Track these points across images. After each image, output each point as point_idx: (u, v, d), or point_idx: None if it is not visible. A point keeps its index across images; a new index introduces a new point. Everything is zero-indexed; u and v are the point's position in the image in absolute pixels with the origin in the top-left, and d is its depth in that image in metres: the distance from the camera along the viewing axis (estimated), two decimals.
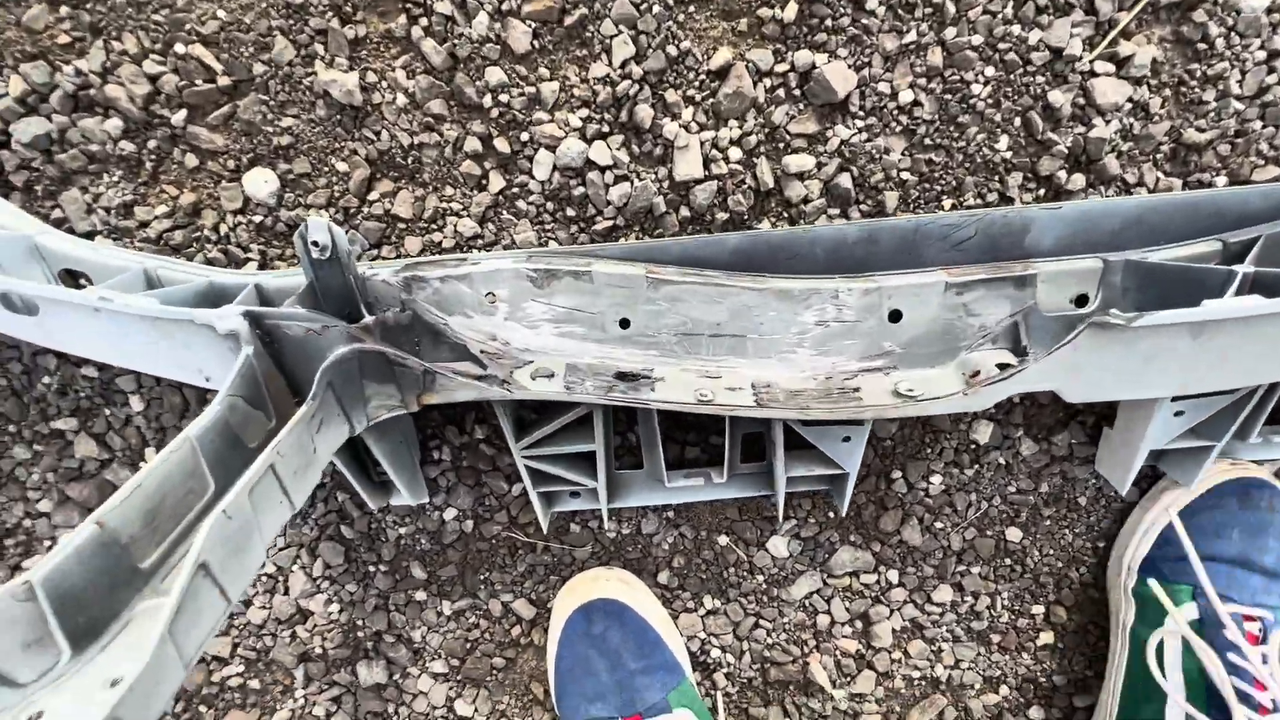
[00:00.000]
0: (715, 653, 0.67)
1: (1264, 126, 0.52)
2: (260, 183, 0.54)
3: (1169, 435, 0.53)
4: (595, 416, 0.53)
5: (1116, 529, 0.63)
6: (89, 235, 0.55)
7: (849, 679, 0.67)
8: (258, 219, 0.55)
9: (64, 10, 0.51)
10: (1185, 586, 0.56)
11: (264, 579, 0.65)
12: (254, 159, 0.54)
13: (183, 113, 0.53)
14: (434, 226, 0.56)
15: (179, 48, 0.52)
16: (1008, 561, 0.64)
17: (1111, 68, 0.51)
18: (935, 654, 0.67)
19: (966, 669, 0.67)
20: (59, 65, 0.52)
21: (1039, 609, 0.65)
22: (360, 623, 0.67)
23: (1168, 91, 0.52)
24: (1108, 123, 0.52)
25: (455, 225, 0.55)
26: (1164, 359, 0.46)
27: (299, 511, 0.59)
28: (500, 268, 0.52)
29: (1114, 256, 0.51)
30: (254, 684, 0.69)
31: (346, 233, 0.55)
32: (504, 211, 0.55)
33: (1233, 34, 0.50)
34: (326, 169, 0.54)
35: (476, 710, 0.69)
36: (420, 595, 0.66)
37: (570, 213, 0.55)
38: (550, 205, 0.55)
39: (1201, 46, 0.51)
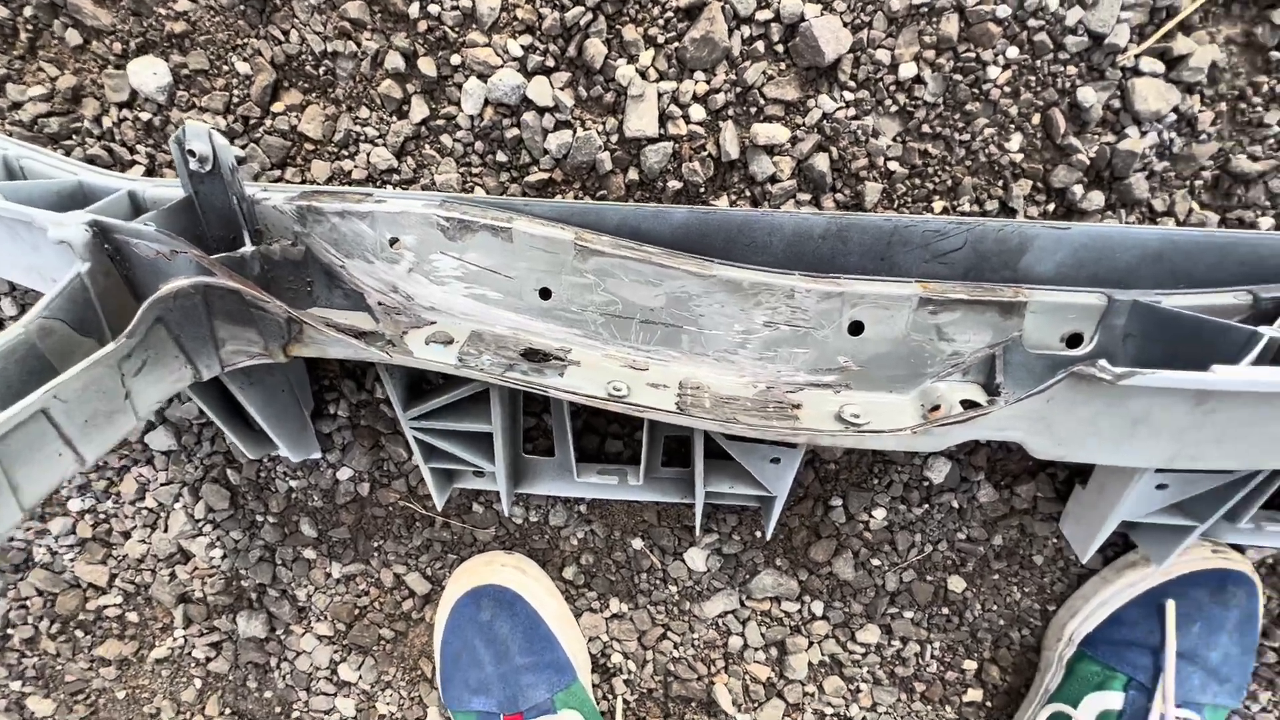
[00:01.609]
0: (617, 658, 0.62)
1: None
2: (149, 74, 0.47)
3: (1147, 508, 0.47)
4: (492, 395, 0.46)
5: (1070, 594, 0.56)
6: None
7: (756, 705, 0.63)
8: (146, 116, 0.48)
9: None
10: (1120, 675, 0.50)
11: (144, 512, 0.61)
12: (143, 45, 0.47)
13: None
14: (345, 152, 0.48)
15: None
16: (945, 611, 0.58)
17: (1160, 67, 0.42)
18: (852, 693, 0.62)
19: (883, 714, 0.62)
20: None
21: (971, 664, 0.60)
22: (244, 572, 0.62)
23: (1223, 106, 0.43)
24: (1144, 134, 0.43)
25: (369, 154, 0.48)
26: (1155, 425, 0.39)
27: (86, 464, 0.53)
28: (408, 210, 0.45)
29: (1121, 294, 0.43)
30: (132, 617, 0.65)
31: (243, 147, 0.48)
32: (426, 145, 0.48)
33: None
34: (226, 68, 0.47)
35: (361, 678, 0.65)
36: (309, 553, 0.61)
37: (501, 158, 0.47)
38: (479, 146, 0.47)
39: (1275, 56, 0.42)
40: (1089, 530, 0.50)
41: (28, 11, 0.46)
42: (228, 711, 0.68)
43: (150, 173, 0.49)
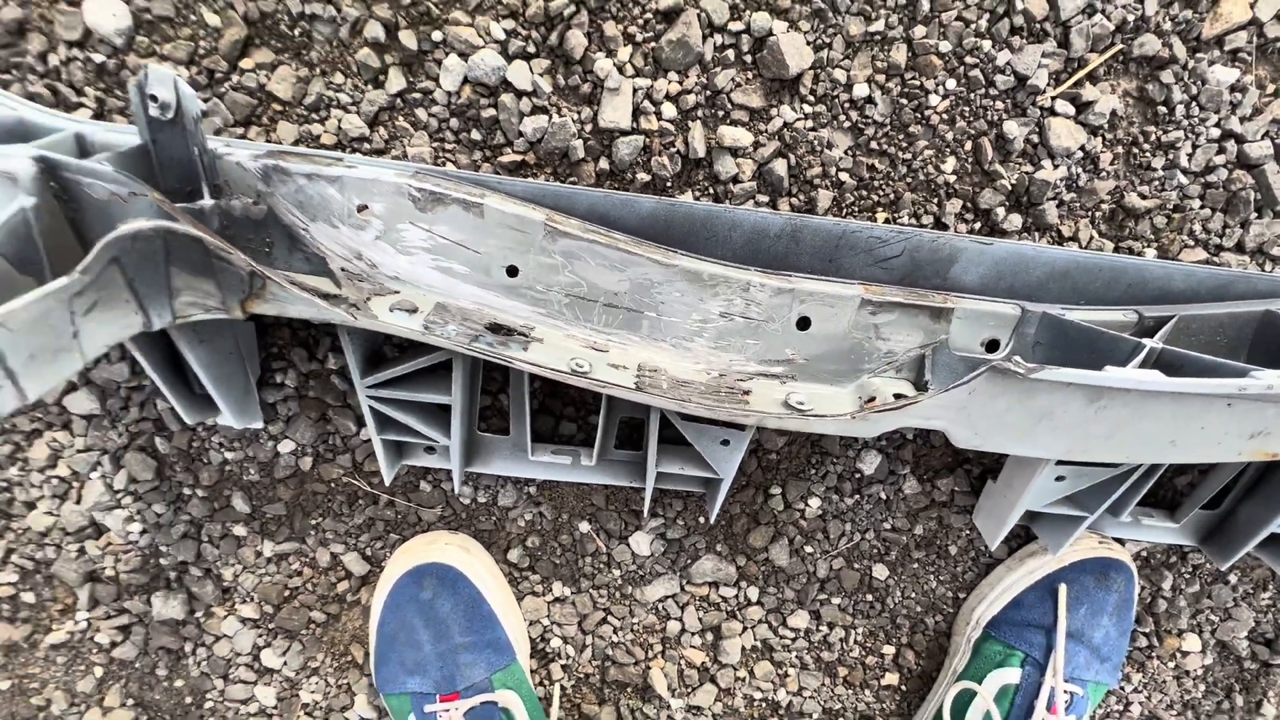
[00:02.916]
0: (556, 642, 0.63)
1: (1201, 207, 0.51)
2: (107, 14, 0.45)
3: (1046, 498, 0.52)
4: (455, 365, 0.47)
5: (978, 583, 0.62)
6: None
7: (690, 690, 0.65)
8: (99, 59, 0.46)
9: None
10: (1018, 652, 0.55)
11: (55, 481, 0.56)
12: None
13: None
14: (315, 116, 0.48)
15: None
16: (869, 598, 0.62)
17: (1072, 110, 0.48)
18: (780, 678, 0.65)
19: (809, 698, 0.65)
20: None
21: (890, 649, 0.64)
22: (164, 549, 0.59)
23: (1120, 149, 0.50)
24: (1056, 167, 0.49)
25: (340, 121, 0.48)
26: (1056, 419, 0.44)
27: (34, 404, 0.51)
28: (380, 178, 0.45)
29: (1032, 307, 0.49)
30: (28, 597, 0.60)
31: (205, 100, 0.47)
32: (400, 118, 0.48)
33: (1194, 104, 0.49)
34: (194, 18, 0.46)
35: (286, 664, 0.63)
36: (240, 530, 0.59)
37: (476, 136, 0.48)
38: (455, 123, 0.48)
39: (1162, 110, 0.49)
40: (998, 521, 0.55)
41: None
42: (130, 702, 0.64)
43: (99, 117, 0.47)
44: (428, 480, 0.58)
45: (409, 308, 0.45)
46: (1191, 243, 0.52)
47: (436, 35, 0.46)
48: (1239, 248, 0.52)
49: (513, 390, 0.52)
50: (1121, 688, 0.66)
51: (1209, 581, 0.62)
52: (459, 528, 0.60)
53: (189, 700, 0.64)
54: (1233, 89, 0.48)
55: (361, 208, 0.46)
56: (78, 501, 0.57)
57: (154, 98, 0.40)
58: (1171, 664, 0.65)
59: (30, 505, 0.57)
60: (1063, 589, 0.55)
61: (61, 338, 0.32)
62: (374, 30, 0.46)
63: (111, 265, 0.35)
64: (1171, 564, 0.62)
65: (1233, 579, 0.62)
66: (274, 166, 0.44)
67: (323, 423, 0.56)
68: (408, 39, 0.46)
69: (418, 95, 0.48)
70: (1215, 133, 0.49)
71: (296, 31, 0.46)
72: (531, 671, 0.63)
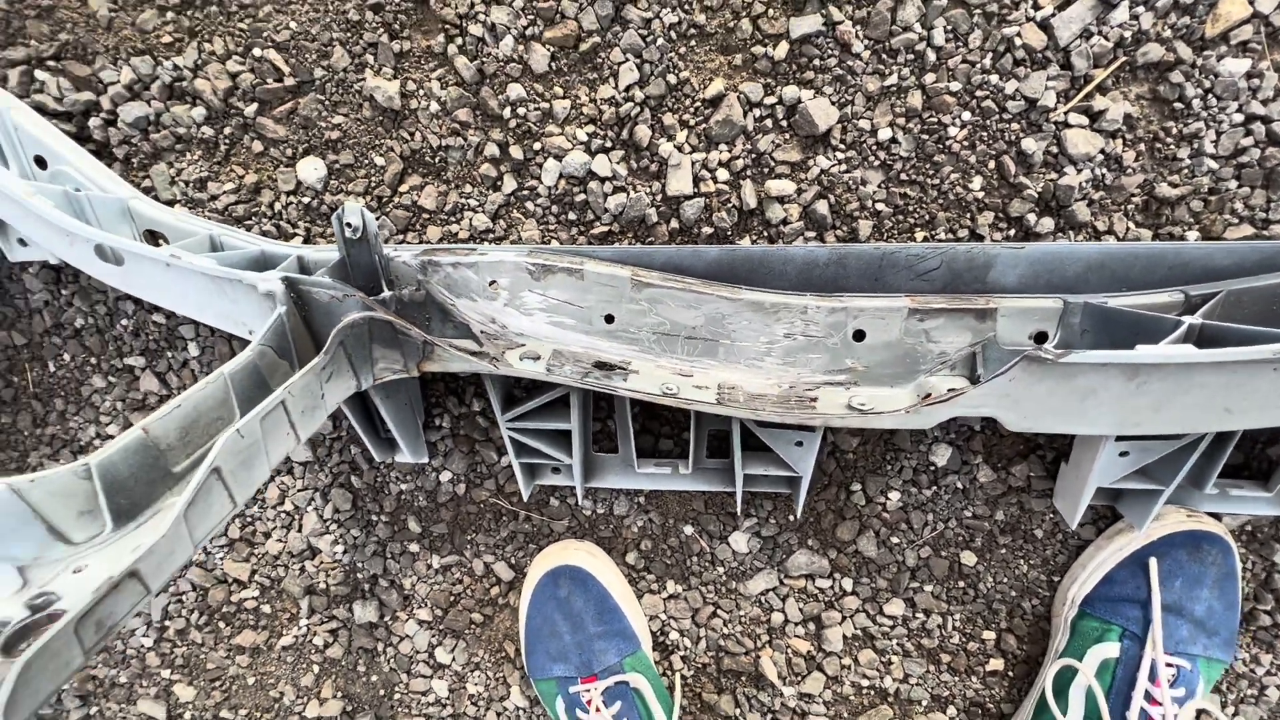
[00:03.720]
0: (674, 635, 0.72)
1: (1239, 186, 0.54)
2: (311, 170, 0.63)
3: (1115, 474, 0.55)
4: (572, 397, 0.59)
5: (1071, 565, 0.64)
6: (170, 203, 0.65)
7: (799, 678, 0.71)
8: (306, 200, 0.64)
9: (169, 15, 0.61)
10: (1115, 626, 0.57)
11: (283, 515, 0.74)
12: (308, 149, 0.63)
13: (254, 106, 0.62)
14: (453, 219, 0.63)
15: (256, 51, 0.61)
16: (961, 584, 0.66)
17: (1085, 120, 0.54)
18: (885, 665, 0.69)
19: (915, 685, 0.69)
20: (160, 60, 0.62)
21: (990, 634, 0.67)
22: (360, 565, 0.75)
23: (1142, 146, 0.54)
24: (1079, 171, 0.55)
25: (471, 219, 0.63)
26: (1100, 398, 0.48)
27: (303, 446, 0.67)
28: (504, 259, 0.59)
29: (1073, 298, 0.54)
30: (266, 609, 0.78)
31: (377, 219, 0.64)
32: (514, 210, 0.62)
33: (1210, 95, 0.52)
34: (366, 162, 0.63)
35: (454, 659, 0.76)
36: (414, 547, 0.74)
37: (572, 216, 0.61)
38: (555, 208, 0.61)
39: (1178, 106, 0.53)
40: (1074, 500, 0.59)
41: (227, 131, 0.63)
42: (339, 695, 0.79)
43: (307, 241, 0.65)
44: (556, 496, 0.70)
45: (534, 356, 0.58)
46: (1236, 220, 0.55)
47: (536, 145, 0.60)
48: None
49: (618, 415, 0.63)
50: (1252, 670, 0.64)
51: None
52: (584, 536, 0.71)
53: (382, 693, 0.79)
54: (1248, 76, 0.52)
55: (492, 283, 0.60)
56: (299, 530, 0.74)
57: (349, 224, 0.56)
58: None
59: (267, 535, 0.75)
60: (1153, 562, 0.57)
61: (314, 398, 0.47)
62: (491, 150, 0.61)
63: (339, 347, 0.50)
64: None
65: None
66: (428, 261, 0.59)
67: (472, 455, 0.70)
68: (516, 151, 0.60)
69: (526, 192, 0.62)
70: (1239, 118, 0.52)
71: (437, 160, 0.62)
72: (655, 663, 0.72)
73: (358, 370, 0.53)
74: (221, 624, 0.79)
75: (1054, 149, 0.55)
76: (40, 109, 0.63)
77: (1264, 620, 0.63)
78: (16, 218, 0.60)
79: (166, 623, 0.79)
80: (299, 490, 0.73)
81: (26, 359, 0.73)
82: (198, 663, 0.81)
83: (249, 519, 0.75)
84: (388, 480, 0.72)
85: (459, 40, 0.59)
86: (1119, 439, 0.53)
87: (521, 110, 0.59)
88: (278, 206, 0.65)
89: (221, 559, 0.76)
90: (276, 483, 0.73)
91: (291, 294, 0.54)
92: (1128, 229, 0.56)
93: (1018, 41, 0.53)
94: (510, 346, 0.60)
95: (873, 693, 0.70)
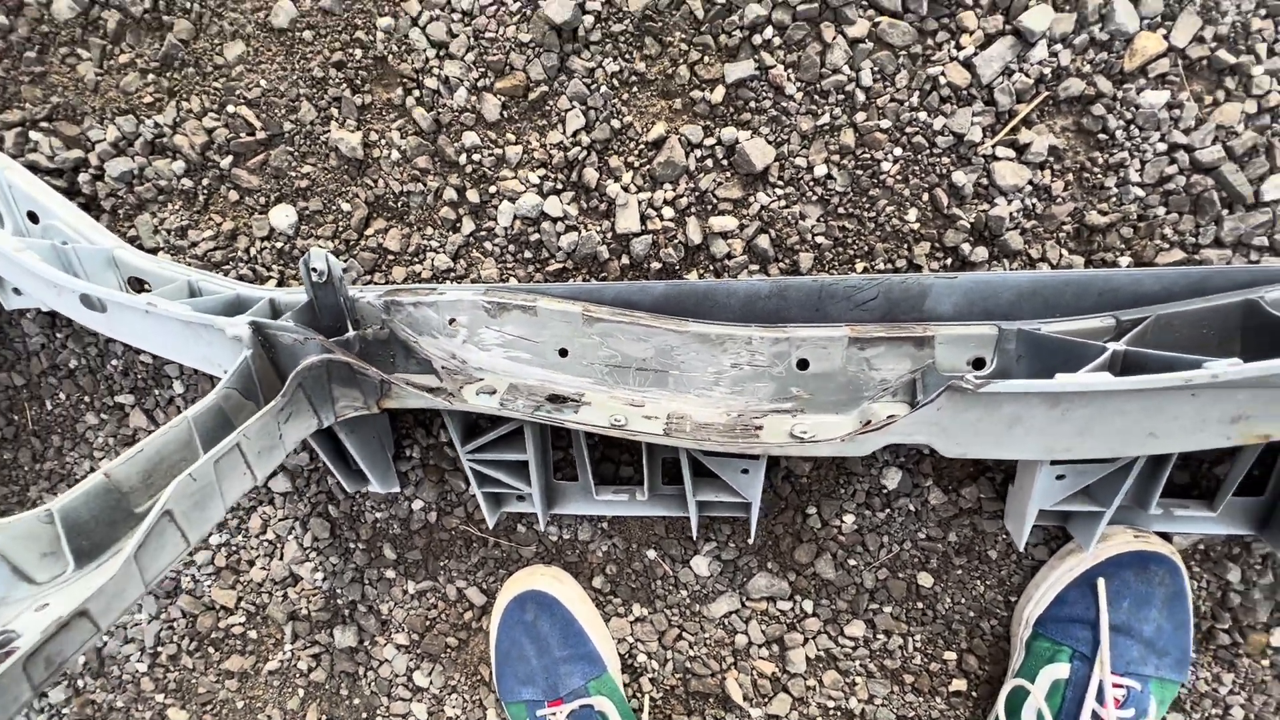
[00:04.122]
0: (642, 658, 0.73)
1: (1167, 212, 0.55)
2: (283, 216, 0.67)
3: (1056, 497, 0.56)
4: (526, 430, 0.61)
5: (1025, 585, 0.65)
6: (153, 251, 0.69)
7: (765, 699, 0.72)
8: (279, 245, 0.68)
9: (149, 77, 0.66)
10: (1065, 647, 0.58)
11: (265, 544, 0.77)
12: (279, 197, 0.67)
13: (229, 158, 0.66)
14: (416, 259, 0.66)
15: (230, 108, 0.65)
16: (920, 605, 0.67)
17: (1012, 153, 0.55)
18: (849, 686, 0.70)
19: (880, 705, 0.70)
20: (143, 118, 0.66)
21: (951, 655, 0.68)
22: (339, 591, 0.77)
23: (1070, 176, 0.56)
24: (1009, 202, 0.56)
25: (433, 259, 0.66)
26: (1025, 425, 0.50)
27: (259, 487, 0.70)
28: (462, 298, 0.62)
29: (1008, 325, 0.55)
30: (252, 634, 0.81)
31: (345, 261, 0.67)
32: (473, 250, 0.65)
33: (1132, 126, 0.54)
34: (334, 208, 0.66)
35: (431, 682, 0.78)
36: (390, 573, 0.76)
37: (528, 255, 0.64)
38: (511, 247, 0.64)
39: (1102, 137, 0.54)
40: (1020, 520, 0.60)
41: (205, 182, 0.67)
42: (324, 718, 0.82)
43: (280, 284, 0.68)
44: (523, 523, 0.72)
45: (489, 390, 0.61)
46: (1166, 245, 0.56)
47: (492, 189, 0.63)
48: (1218, 243, 0.55)
49: (575, 445, 0.66)
50: (1215, 689, 0.64)
51: None
52: (551, 561, 0.73)
53: (364, 716, 0.81)
54: (1169, 107, 0.53)
55: (451, 321, 0.62)
56: (281, 558, 0.77)
57: (315, 269, 0.59)
58: (1265, 661, 0.63)
59: (251, 563, 0.78)
60: (1101, 582, 0.58)
61: (272, 438, 0.50)
62: (449, 194, 0.64)
63: (298, 389, 0.53)
64: (1236, 555, 0.61)
65: None
66: (391, 301, 0.62)
67: (441, 484, 0.72)
68: (472, 195, 0.64)
69: (484, 233, 0.65)
70: (1162, 147, 0.54)
71: (399, 204, 0.65)
72: (625, 685, 0.74)
73: (318, 409, 0.56)
74: (211, 649, 0.82)
75: (984, 181, 0.56)
76: (34, 167, 0.67)
77: (1223, 639, 0.63)
78: (10, 271, 0.64)
79: (159, 648, 0.83)
80: (280, 519, 0.76)
81: (26, 398, 0.77)
82: (189, 687, 0.83)
83: (234, 548, 0.78)
84: (363, 509, 0.75)
85: (416, 93, 0.62)
86: (1054, 463, 0.54)
87: (476, 156, 0.62)
88: (253, 251, 0.68)
89: (209, 586, 0.80)
90: (259, 513, 0.77)
91: (258, 337, 0.57)
92: (1061, 256, 0.57)
93: (942, 80, 0.55)
94: (469, 381, 0.63)
95: (839, 714, 0.71)
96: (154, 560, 0.40)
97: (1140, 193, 0.55)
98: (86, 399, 0.76)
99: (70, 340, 0.74)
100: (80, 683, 0.86)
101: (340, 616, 0.78)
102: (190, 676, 0.83)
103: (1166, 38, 0.52)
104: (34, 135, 0.68)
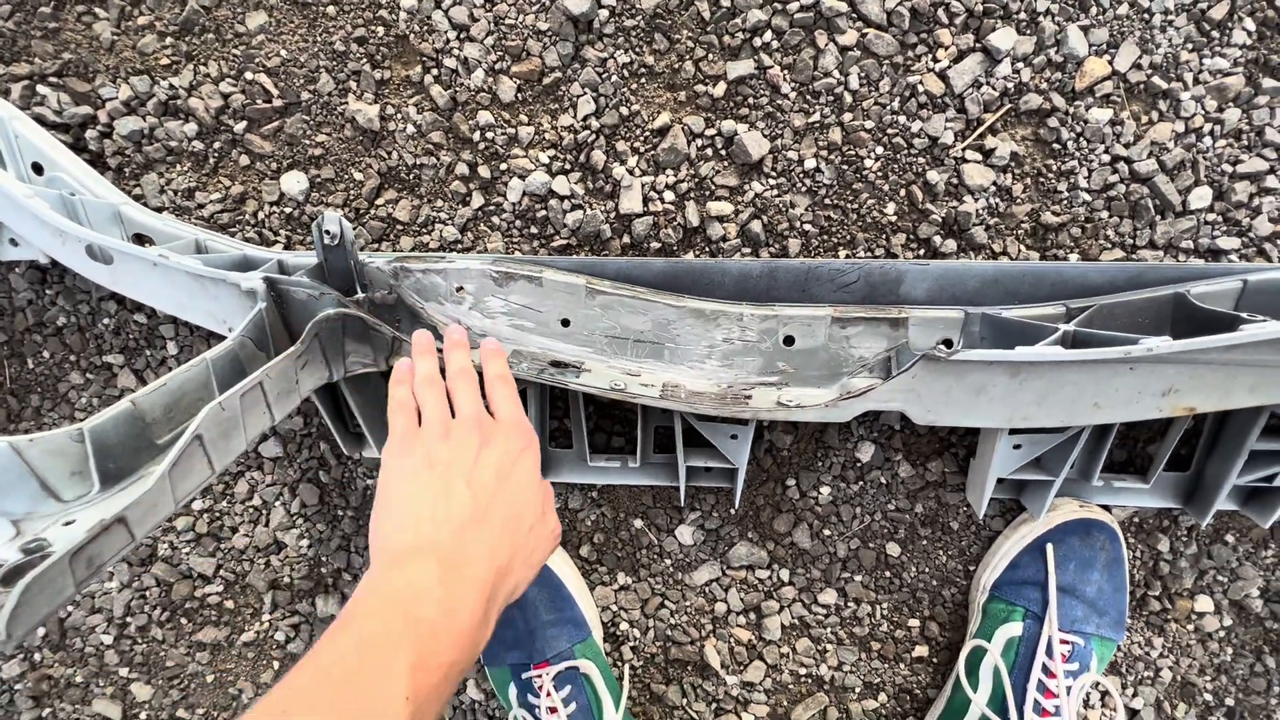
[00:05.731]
0: (624, 626, 0.76)
1: (1110, 216, 0.63)
2: (294, 182, 0.69)
3: (1012, 465, 0.62)
4: (529, 392, 0.64)
5: (984, 554, 0.70)
6: (159, 210, 0.70)
7: (741, 667, 0.75)
8: (288, 210, 0.69)
9: (168, 40, 0.67)
10: (1019, 608, 0.64)
11: (250, 510, 0.77)
12: (292, 164, 0.69)
13: (243, 124, 0.68)
14: (424, 230, 0.69)
15: (248, 75, 0.67)
16: (888, 574, 0.72)
17: (979, 156, 0.62)
18: (820, 653, 0.74)
19: (848, 672, 0.74)
20: (158, 80, 0.68)
21: (915, 622, 0.73)
22: (324, 559, 0.78)
23: (1028, 180, 0.63)
24: (976, 200, 0.63)
25: (441, 231, 0.68)
26: (990, 393, 0.55)
27: (274, 426, 0.71)
28: (470, 267, 0.65)
29: (973, 309, 0.62)
30: (229, 604, 0.80)
31: (354, 229, 0.69)
32: (481, 224, 0.68)
33: (1081, 139, 0.61)
34: (346, 177, 0.69)
35: None
36: None
37: (533, 230, 0.68)
38: (518, 223, 0.68)
39: (1056, 146, 0.62)
40: (979, 490, 0.65)
41: (216, 146, 0.69)
42: None
43: (287, 248, 0.70)
44: None
45: None
46: (1109, 245, 0.63)
47: (503, 166, 0.67)
48: (1152, 245, 0.63)
49: (572, 411, 0.69)
50: (1147, 653, 0.71)
51: (1207, 543, 0.68)
52: None
53: None
54: (1112, 123, 0.61)
55: (459, 289, 0.65)
56: (266, 524, 0.77)
57: (328, 231, 0.61)
58: (1190, 626, 0.70)
59: (234, 529, 0.78)
60: (1050, 547, 0.64)
61: (289, 382, 0.52)
62: (461, 169, 0.67)
63: (315, 339, 0.55)
64: (1165, 528, 0.68)
65: (1230, 539, 0.68)
66: (400, 267, 0.65)
67: None
68: (484, 171, 0.67)
69: (492, 208, 0.68)
70: (1106, 158, 0.61)
71: (411, 177, 0.68)
72: (607, 653, 0.76)
73: (330, 362, 0.58)
74: (184, 620, 0.81)
75: (954, 180, 0.63)
76: (40, 120, 0.68)
77: (1154, 605, 0.70)
78: (13, 218, 0.64)
79: (128, 619, 0.81)
80: (268, 485, 0.76)
81: (6, 355, 0.76)
82: (157, 660, 0.82)
83: (217, 513, 0.78)
84: (355, 476, 0.76)
85: (435, 71, 0.66)
86: (1012, 432, 0.60)
87: (490, 134, 0.66)
88: (261, 215, 0.70)
89: (188, 554, 0.79)
90: (246, 478, 0.77)
91: (271, 292, 0.59)
92: (1019, 250, 0.64)
93: (920, 88, 0.61)
94: (473, 347, 0.65)
95: (810, 680, 0.75)
96: (183, 481, 0.41)
97: (1088, 197, 0.62)
98: (72, 358, 0.75)
99: (61, 297, 0.74)
100: (38, 656, 0.83)
101: (324, 585, 0.79)
102: (159, 649, 0.81)
103: (1111, 63, 0.60)
104: (41, 89, 0.68)
